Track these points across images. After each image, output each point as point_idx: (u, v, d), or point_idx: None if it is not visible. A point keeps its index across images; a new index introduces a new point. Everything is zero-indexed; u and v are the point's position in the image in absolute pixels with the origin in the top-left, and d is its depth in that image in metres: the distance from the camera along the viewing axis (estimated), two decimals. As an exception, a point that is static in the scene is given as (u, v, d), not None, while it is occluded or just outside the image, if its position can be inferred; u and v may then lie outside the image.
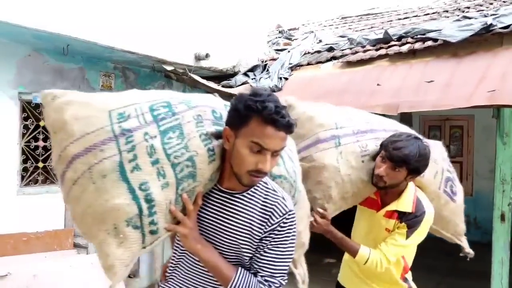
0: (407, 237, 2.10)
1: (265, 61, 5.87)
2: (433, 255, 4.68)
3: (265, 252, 1.40)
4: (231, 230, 1.41)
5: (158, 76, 5.54)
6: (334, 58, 5.39)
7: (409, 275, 2.33)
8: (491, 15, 4.68)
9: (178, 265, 1.55)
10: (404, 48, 4.77)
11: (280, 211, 1.41)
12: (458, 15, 5.60)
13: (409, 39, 4.91)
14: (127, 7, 4.17)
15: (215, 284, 1.45)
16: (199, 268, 1.47)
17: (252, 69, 5.64)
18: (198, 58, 5.04)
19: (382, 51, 4.94)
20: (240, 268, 1.41)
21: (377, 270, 2.12)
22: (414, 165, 1.98)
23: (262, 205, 1.42)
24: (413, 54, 4.71)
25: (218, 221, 1.44)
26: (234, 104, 1.35)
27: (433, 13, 6.81)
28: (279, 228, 1.40)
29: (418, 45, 4.68)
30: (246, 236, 1.40)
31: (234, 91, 4.95)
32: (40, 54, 4.30)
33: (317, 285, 4.91)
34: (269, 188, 1.46)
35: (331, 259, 6.00)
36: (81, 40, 3.86)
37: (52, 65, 4.40)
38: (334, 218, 2.14)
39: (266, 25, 6.82)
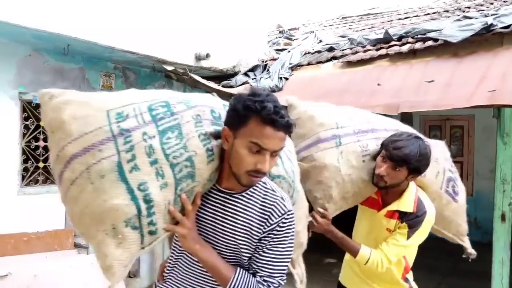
0: (408, 237, 2.09)
1: (266, 61, 5.87)
2: (434, 255, 4.68)
3: (264, 252, 1.40)
4: (230, 230, 1.41)
5: (159, 76, 5.54)
6: (334, 58, 5.38)
7: (410, 275, 2.32)
8: (492, 15, 4.68)
9: (176, 265, 1.54)
10: (405, 48, 4.76)
11: (279, 211, 1.41)
12: (458, 15, 5.60)
13: (410, 39, 4.90)
14: (128, 7, 4.17)
15: (214, 284, 1.45)
16: (198, 268, 1.47)
17: (253, 69, 5.64)
18: (198, 58, 5.04)
19: (383, 51, 4.93)
20: (238, 268, 1.40)
21: (378, 270, 2.11)
22: (415, 164, 1.97)
23: (261, 205, 1.42)
24: (413, 54, 4.70)
25: (216, 221, 1.44)
26: (232, 104, 1.35)
27: (434, 13, 6.81)
28: (278, 228, 1.40)
29: (418, 45, 4.68)
30: (245, 236, 1.40)
31: (235, 91, 4.95)
32: (41, 54, 4.31)
33: (317, 285, 4.92)
34: (268, 188, 1.45)
35: (332, 259, 6.00)
36: (82, 40, 3.86)
37: (53, 65, 4.41)
38: (335, 217, 2.14)
39: (266, 25, 6.82)
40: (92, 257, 3.83)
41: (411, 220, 2.09)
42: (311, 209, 2.11)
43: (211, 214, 1.45)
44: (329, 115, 2.20)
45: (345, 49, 5.44)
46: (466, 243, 2.53)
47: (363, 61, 4.98)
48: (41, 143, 4.32)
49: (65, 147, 1.32)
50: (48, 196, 4.28)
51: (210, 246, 1.43)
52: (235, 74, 5.61)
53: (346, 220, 2.50)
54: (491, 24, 4.26)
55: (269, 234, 1.40)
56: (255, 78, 5.43)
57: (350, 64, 5.08)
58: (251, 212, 1.41)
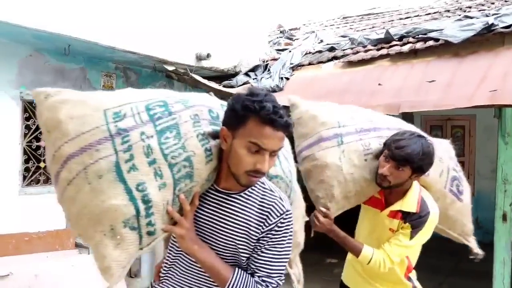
0: (411, 237, 2.08)
1: (266, 61, 5.87)
2: (436, 255, 4.67)
3: (262, 252, 1.39)
4: (228, 230, 1.41)
5: (159, 76, 5.55)
6: (335, 58, 5.38)
7: (413, 274, 2.31)
8: (493, 14, 4.67)
9: (173, 266, 1.54)
10: (406, 48, 4.76)
11: (278, 211, 1.40)
12: (459, 15, 5.59)
13: (411, 39, 4.90)
14: (128, 7, 4.17)
15: (212, 285, 1.44)
16: (195, 269, 1.46)
17: (253, 69, 5.64)
18: (199, 58, 5.04)
19: (383, 51, 4.93)
20: (237, 268, 1.40)
21: (380, 270, 2.10)
22: (418, 163, 1.96)
23: (259, 205, 1.42)
24: (414, 54, 4.70)
25: (215, 221, 1.43)
26: (231, 104, 1.35)
27: (435, 12, 6.80)
28: (276, 228, 1.39)
29: (419, 45, 4.67)
30: (243, 236, 1.40)
31: (235, 91, 4.95)
32: (41, 54, 4.31)
33: (318, 284, 4.92)
34: (266, 188, 1.45)
35: (333, 259, 6.00)
36: (82, 40, 3.86)
37: (53, 65, 4.41)
38: (337, 217, 2.13)
39: (267, 25, 6.82)
40: (93, 257, 3.83)
41: (414, 220, 2.08)
42: (312, 209, 2.10)
43: (209, 215, 1.44)
44: (331, 114, 2.20)
45: (346, 49, 5.44)
46: (472, 243, 2.51)
47: (364, 61, 4.98)
48: (42, 143, 4.32)
49: (61, 146, 1.30)
50: (49, 196, 4.28)
51: (208, 246, 1.42)
52: (236, 74, 5.61)
53: (348, 220, 2.49)
54: (492, 24, 4.26)
55: (267, 234, 1.39)
56: (256, 78, 5.43)
57: (351, 64, 5.07)
58: (249, 212, 1.41)
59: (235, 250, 1.41)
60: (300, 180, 1.88)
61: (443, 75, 4.18)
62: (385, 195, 2.19)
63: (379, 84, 4.44)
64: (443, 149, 2.38)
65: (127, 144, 1.30)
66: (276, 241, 1.40)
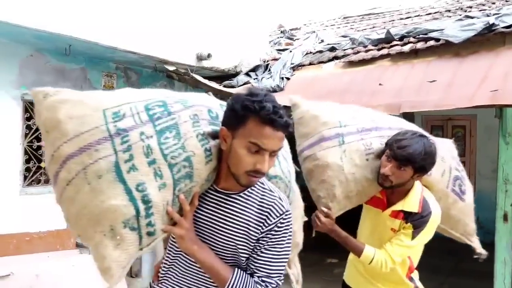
0: (413, 237, 2.08)
1: (267, 61, 5.87)
2: (437, 254, 4.67)
3: (262, 252, 1.39)
4: (228, 231, 1.41)
5: (160, 76, 5.55)
6: (336, 58, 5.38)
7: (415, 274, 2.30)
8: (494, 14, 4.67)
9: (172, 266, 1.53)
10: (406, 48, 4.76)
11: (277, 211, 1.40)
12: (460, 15, 5.59)
13: (411, 39, 4.90)
14: (129, 7, 4.17)
15: (211, 285, 1.44)
16: (195, 269, 1.46)
17: (254, 69, 5.65)
18: (200, 58, 5.04)
19: (384, 51, 4.93)
20: (236, 268, 1.40)
21: (382, 270, 2.09)
22: (420, 163, 1.95)
23: (258, 205, 1.41)
24: (415, 54, 4.70)
25: (214, 221, 1.43)
26: (230, 104, 1.34)
27: (435, 12, 6.80)
28: (276, 229, 1.39)
29: (420, 45, 4.68)
30: (242, 236, 1.39)
31: (236, 91, 4.95)
32: (42, 54, 4.32)
33: (318, 284, 4.92)
34: (265, 189, 1.45)
35: (333, 259, 6.00)
36: (83, 40, 3.87)
37: (54, 65, 4.42)
38: (339, 217, 2.12)
39: (268, 25, 6.82)
40: (93, 257, 3.83)
41: (416, 220, 2.07)
42: (312, 209, 2.10)
43: (208, 215, 1.44)
44: (332, 113, 2.19)
45: (347, 49, 5.44)
46: (475, 243, 2.51)
47: (364, 61, 4.98)
48: (43, 143, 4.31)
49: (60, 146, 1.30)
50: (50, 196, 4.22)
51: (207, 246, 1.42)
52: (236, 74, 5.61)
53: (350, 220, 2.48)
54: (493, 24, 4.26)
55: (267, 234, 1.39)
56: (256, 78, 5.44)
57: (352, 64, 5.07)
58: (249, 212, 1.41)
59: (234, 250, 1.41)
60: (299, 180, 1.88)
61: (444, 75, 4.18)
62: (387, 195, 2.18)
63: (380, 84, 4.44)
64: (445, 149, 2.38)
65: (126, 144, 1.29)
66: (275, 241, 1.39)
